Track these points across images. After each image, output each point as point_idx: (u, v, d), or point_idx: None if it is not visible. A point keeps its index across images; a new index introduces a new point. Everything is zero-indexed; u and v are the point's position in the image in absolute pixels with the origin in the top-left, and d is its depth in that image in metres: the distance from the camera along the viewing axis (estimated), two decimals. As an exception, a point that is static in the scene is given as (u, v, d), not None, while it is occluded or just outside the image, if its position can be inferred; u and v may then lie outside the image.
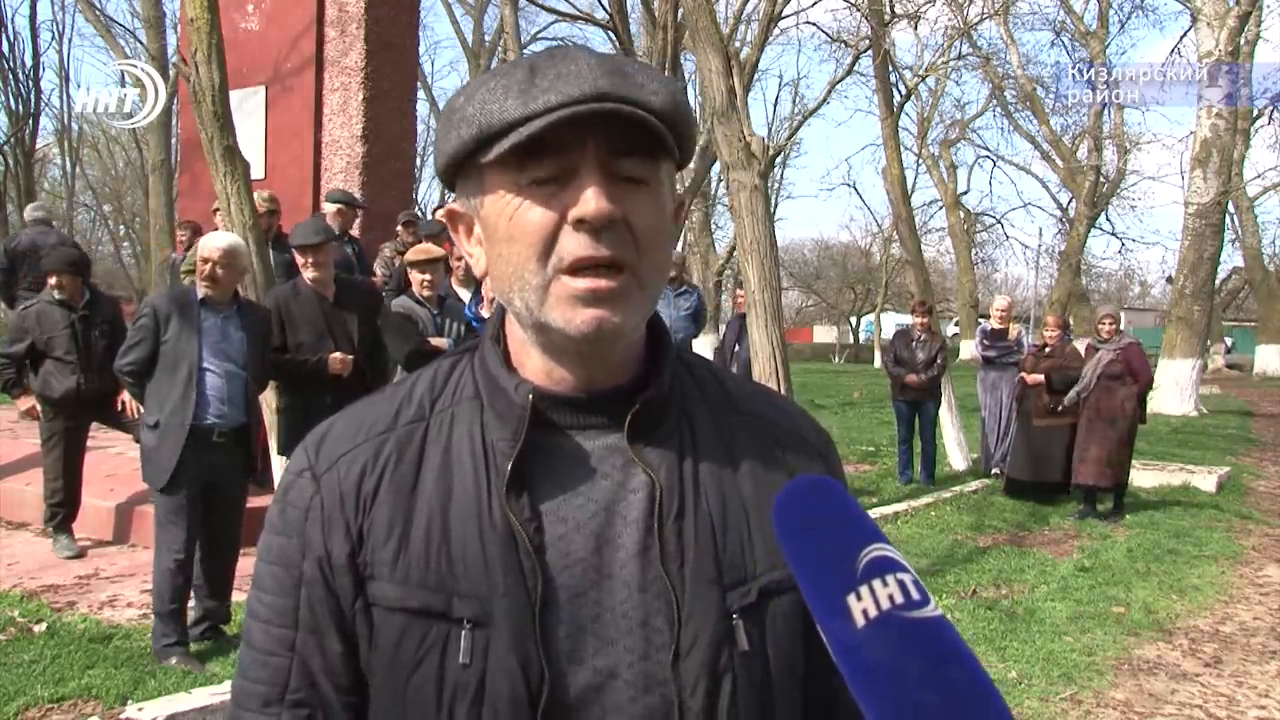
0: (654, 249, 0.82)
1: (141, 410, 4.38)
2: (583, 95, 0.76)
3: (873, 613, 0.65)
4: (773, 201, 28.32)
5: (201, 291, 4.17)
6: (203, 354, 4.12)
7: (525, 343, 0.86)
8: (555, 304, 0.80)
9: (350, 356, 4.73)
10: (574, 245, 0.78)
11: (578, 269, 0.79)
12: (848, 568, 0.68)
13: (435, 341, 4.95)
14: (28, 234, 8.25)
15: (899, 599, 0.66)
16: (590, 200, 0.77)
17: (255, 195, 6.80)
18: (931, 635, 0.65)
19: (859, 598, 0.66)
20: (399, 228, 7.63)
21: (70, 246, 7.47)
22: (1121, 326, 8.22)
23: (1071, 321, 9.36)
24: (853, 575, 0.67)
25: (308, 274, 4.74)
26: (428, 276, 5.07)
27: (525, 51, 21.46)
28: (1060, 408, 7.99)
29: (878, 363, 28.65)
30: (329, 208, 7.13)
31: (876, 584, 0.66)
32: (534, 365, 0.86)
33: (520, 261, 0.80)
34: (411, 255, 5.29)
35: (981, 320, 12.70)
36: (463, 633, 0.80)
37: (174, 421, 4.07)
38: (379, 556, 0.82)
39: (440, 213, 0.93)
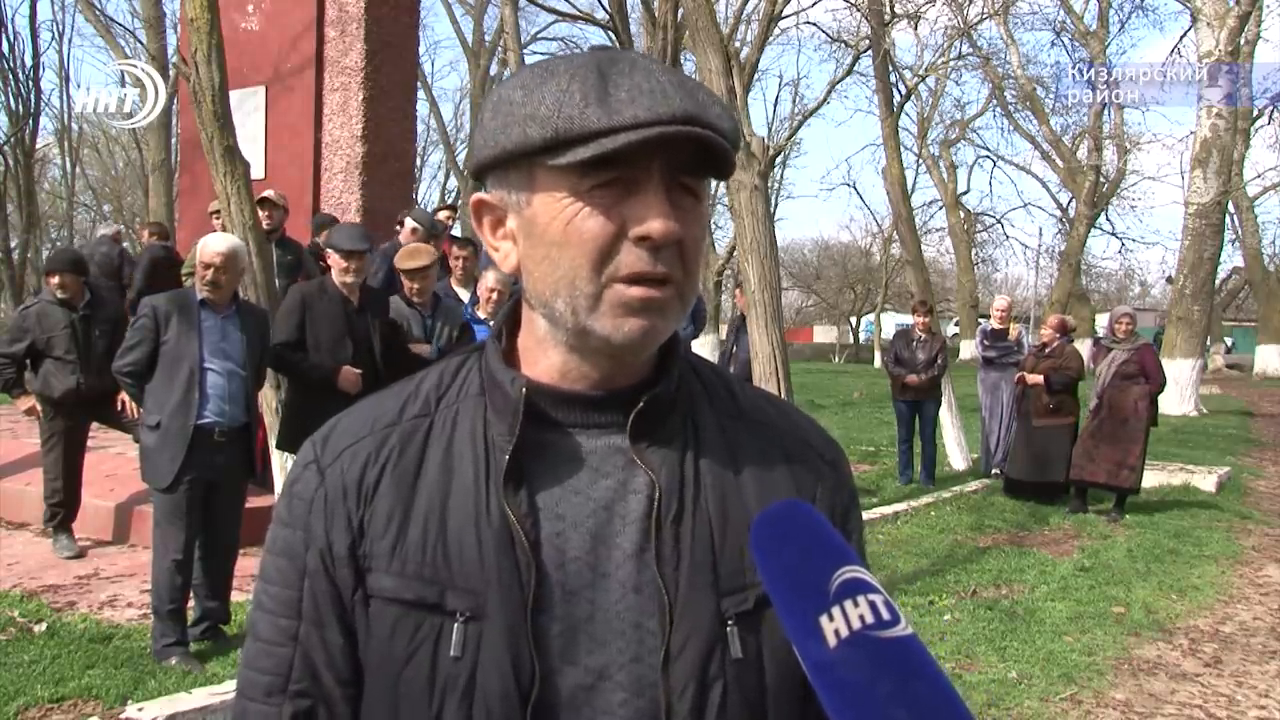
0: (696, 264, 0.83)
1: (141, 410, 4.38)
2: (671, 115, 0.76)
3: (844, 633, 0.68)
4: (773, 201, 28.32)
5: (202, 294, 4.17)
6: (204, 354, 4.13)
7: (545, 340, 0.85)
8: (606, 311, 0.79)
9: (359, 372, 4.70)
10: (632, 260, 0.78)
11: (632, 280, 0.79)
12: (820, 590, 0.70)
13: (416, 347, 4.92)
14: (89, 246, 8.51)
15: (869, 619, 0.68)
16: (657, 221, 0.77)
17: (270, 193, 6.81)
18: (901, 653, 0.67)
19: (831, 618, 0.68)
20: (398, 227, 7.63)
21: (128, 261, 7.69)
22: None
23: (1070, 321, 9.33)
24: (825, 597, 0.69)
25: (345, 278, 4.72)
26: (414, 284, 5.02)
27: (525, 51, 21.46)
28: (1057, 406, 8.00)
29: (878, 363, 28.65)
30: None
31: (848, 605, 0.69)
32: (549, 363, 0.86)
33: (573, 268, 0.79)
34: (399, 261, 5.22)
35: (982, 320, 12.69)
36: (455, 626, 0.80)
37: (176, 422, 4.07)
38: (377, 548, 0.83)
39: (469, 201, 0.90)
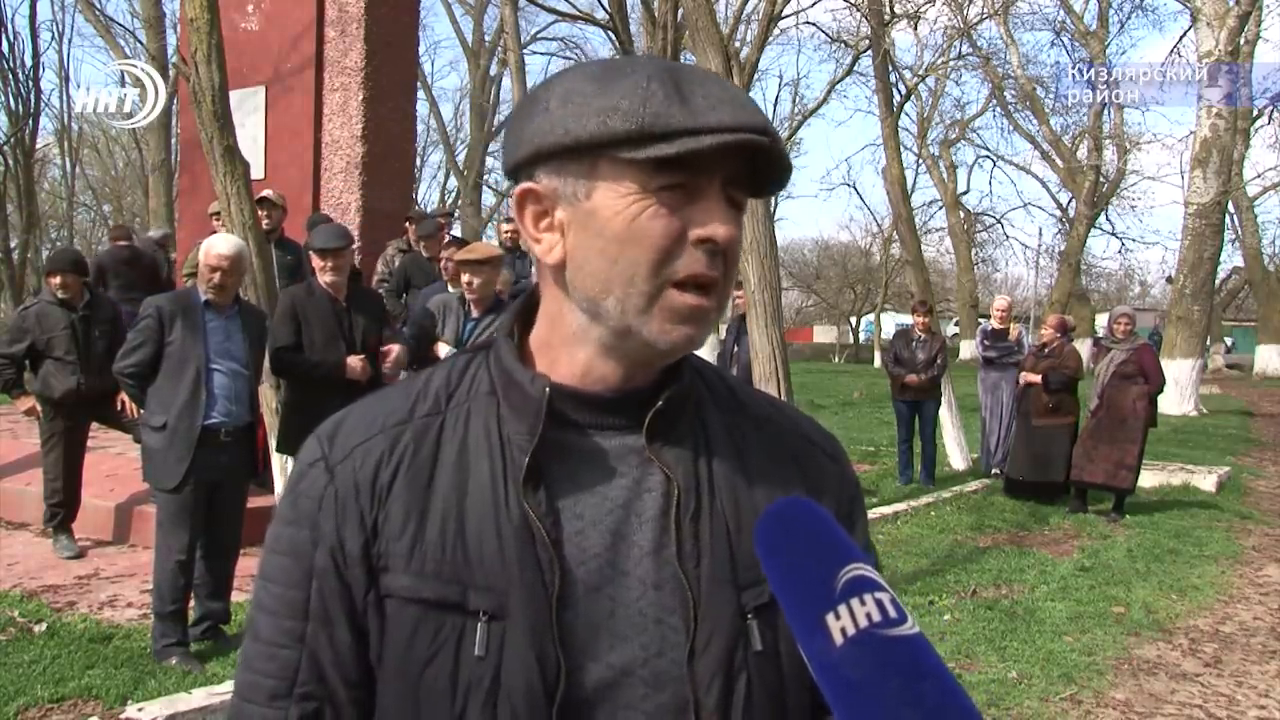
0: (734, 273, 0.85)
1: (140, 411, 4.38)
2: (752, 125, 0.78)
3: (851, 631, 0.67)
4: (773, 201, 28.31)
5: (207, 295, 4.17)
6: (209, 354, 4.14)
7: (573, 338, 0.85)
8: (659, 314, 0.80)
9: (363, 358, 4.71)
10: (691, 262, 0.80)
11: (686, 285, 0.80)
12: (826, 588, 0.69)
13: (437, 347, 4.90)
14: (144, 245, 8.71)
15: (876, 617, 0.67)
16: (720, 225, 0.80)
17: (268, 193, 6.81)
18: (908, 652, 0.67)
19: (837, 616, 0.68)
20: (406, 224, 7.66)
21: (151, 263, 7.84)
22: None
23: (1070, 321, 9.33)
24: (831, 595, 0.69)
25: (325, 277, 4.73)
26: (467, 278, 4.87)
27: (525, 51, 21.47)
28: (1057, 406, 8.01)
29: (878, 363, 28.65)
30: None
31: (855, 603, 0.68)
32: (571, 362, 0.86)
33: (633, 265, 0.80)
34: (458, 254, 5.16)
35: (982, 320, 12.70)
36: (478, 625, 0.80)
37: (184, 423, 4.06)
38: (394, 548, 0.82)
39: (513, 191, 0.89)
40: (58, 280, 5.59)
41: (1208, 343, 25.53)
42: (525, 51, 21.58)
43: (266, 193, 6.82)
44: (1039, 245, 35.32)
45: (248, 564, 4.54)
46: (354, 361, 4.67)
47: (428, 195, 35.90)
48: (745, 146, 0.78)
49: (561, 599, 0.80)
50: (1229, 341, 39.44)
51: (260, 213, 6.36)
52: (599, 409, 0.86)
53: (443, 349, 4.87)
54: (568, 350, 0.86)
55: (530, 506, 0.81)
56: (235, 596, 4.49)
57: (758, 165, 0.81)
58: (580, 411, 0.85)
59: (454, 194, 33.30)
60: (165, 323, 4.12)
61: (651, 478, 0.85)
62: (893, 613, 0.68)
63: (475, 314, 4.94)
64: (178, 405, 4.08)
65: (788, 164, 0.82)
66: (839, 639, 0.67)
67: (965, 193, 33.52)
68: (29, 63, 23.10)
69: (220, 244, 4.25)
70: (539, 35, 29.34)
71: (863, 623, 0.67)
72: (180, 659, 4.00)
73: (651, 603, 0.82)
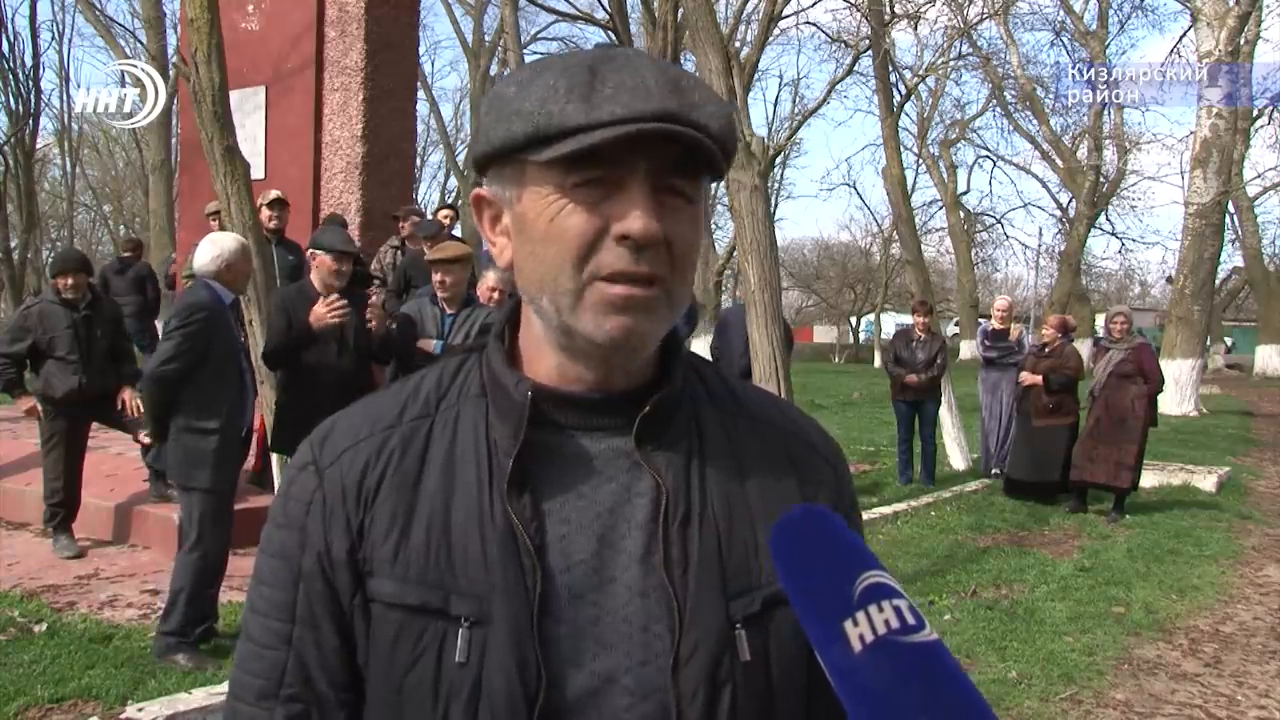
0: (687, 265, 0.82)
1: (140, 410, 4.39)
2: (648, 113, 0.75)
3: (869, 638, 0.66)
4: (773, 201, 28.35)
5: (230, 294, 4.21)
6: (243, 354, 4.21)
7: (542, 341, 0.85)
8: (588, 309, 0.78)
9: (326, 308, 4.59)
10: (613, 259, 0.77)
11: (614, 279, 0.78)
12: (844, 595, 0.69)
13: (422, 343, 4.91)
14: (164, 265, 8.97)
15: (895, 624, 0.67)
16: (637, 219, 0.76)
17: (273, 193, 6.83)
18: (928, 659, 0.66)
19: (855, 623, 0.67)
20: (396, 222, 7.66)
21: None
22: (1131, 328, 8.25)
23: (1071, 321, 9.33)
24: (849, 602, 0.68)
25: (328, 279, 4.73)
26: (439, 276, 4.94)
27: (525, 51, 21.46)
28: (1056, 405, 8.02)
29: (878, 363, 28.64)
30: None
31: (873, 610, 0.68)
32: (549, 364, 0.85)
33: (556, 264, 0.79)
34: (430, 253, 5.24)
35: (982, 320, 12.70)
36: (460, 631, 0.79)
37: (234, 423, 4.10)
38: (379, 552, 0.82)
39: (470, 199, 0.90)
40: (70, 280, 5.58)
41: (1208, 343, 25.53)
42: (525, 51, 21.57)
43: (278, 193, 6.84)
44: (1039, 245, 35.36)
45: (244, 564, 4.54)
46: (319, 309, 4.55)
47: (428, 195, 35.97)
48: (650, 136, 0.74)
49: (544, 605, 0.79)
50: (1229, 341, 39.46)
51: (270, 213, 6.56)
52: (587, 410, 0.85)
53: (430, 344, 4.91)
54: (541, 351, 0.86)
55: (514, 511, 0.80)
56: (232, 596, 4.49)
57: (697, 147, 0.77)
58: (567, 413, 0.84)
59: (454, 194, 33.32)
60: (213, 325, 4.09)
61: (642, 482, 0.83)
62: (911, 619, 0.67)
63: (450, 311, 4.98)
64: (230, 407, 4.09)
65: (706, 147, 0.77)
66: (857, 646, 0.66)
67: (965, 193, 33.58)
68: (29, 63, 23.16)
69: (236, 240, 4.28)
70: (539, 35, 29.34)
71: (881, 629, 0.67)
72: (186, 656, 3.98)
73: (637, 610, 0.80)
